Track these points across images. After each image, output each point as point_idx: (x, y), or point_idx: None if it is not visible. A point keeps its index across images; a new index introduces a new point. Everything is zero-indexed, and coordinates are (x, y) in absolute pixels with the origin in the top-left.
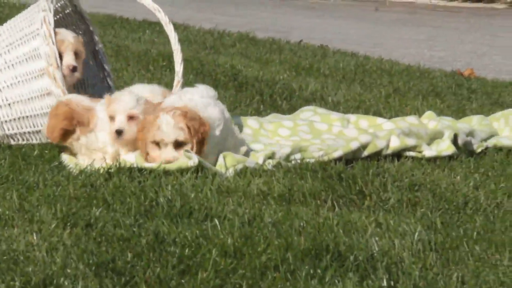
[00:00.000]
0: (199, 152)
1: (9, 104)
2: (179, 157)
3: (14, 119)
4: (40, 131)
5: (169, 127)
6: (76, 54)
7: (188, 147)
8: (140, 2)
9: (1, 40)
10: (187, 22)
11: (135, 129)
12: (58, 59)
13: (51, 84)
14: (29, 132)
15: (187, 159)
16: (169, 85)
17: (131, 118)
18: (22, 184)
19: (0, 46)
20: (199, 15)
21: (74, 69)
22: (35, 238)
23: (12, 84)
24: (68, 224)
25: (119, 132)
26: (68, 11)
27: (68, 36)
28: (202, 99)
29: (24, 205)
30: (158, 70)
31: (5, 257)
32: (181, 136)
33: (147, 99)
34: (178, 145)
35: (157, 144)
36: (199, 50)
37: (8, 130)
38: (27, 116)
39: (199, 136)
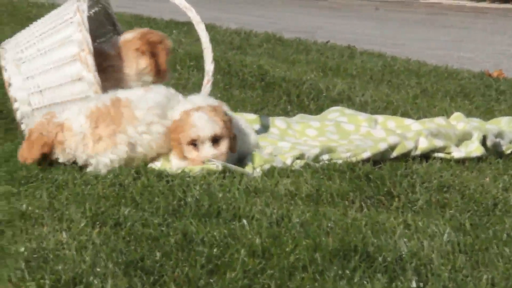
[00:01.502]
0: (234, 147)
1: (40, 91)
2: (218, 155)
3: (45, 106)
4: None
5: (204, 122)
6: None
7: (225, 142)
8: (172, 2)
9: (35, 31)
10: (213, 22)
11: None
12: (91, 45)
13: (82, 69)
14: None
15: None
16: (196, 85)
17: None
18: (52, 182)
19: (34, 36)
20: (225, 15)
21: None
22: (64, 236)
23: (44, 71)
24: (97, 223)
25: None
26: (95, 10)
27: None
28: (203, 97)
29: (53, 204)
30: (185, 70)
31: (35, 256)
32: (218, 129)
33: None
34: (215, 141)
35: (194, 144)
36: (226, 50)
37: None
38: (57, 103)
39: (232, 129)
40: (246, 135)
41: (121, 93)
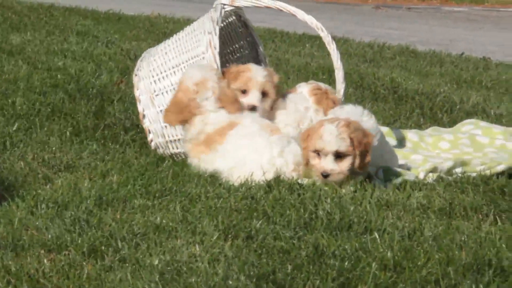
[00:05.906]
0: (361, 164)
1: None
2: (337, 171)
3: (179, 139)
4: None
5: (331, 137)
6: (263, 93)
7: (349, 159)
8: (303, 21)
9: (167, 60)
10: (346, 36)
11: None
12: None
13: None
14: None
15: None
16: None
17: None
18: (185, 196)
19: (166, 66)
20: (359, 28)
21: (253, 109)
22: (197, 249)
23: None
24: (230, 235)
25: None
26: (231, 19)
27: (257, 75)
28: (356, 109)
29: (187, 217)
30: None
31: (168, 268)
32: (343, 147)
33: None
34: (338, 156)
35: (318, 153)
36: (359, 63)
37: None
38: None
39: (362, 147)
40: (388, 152)
41: None
